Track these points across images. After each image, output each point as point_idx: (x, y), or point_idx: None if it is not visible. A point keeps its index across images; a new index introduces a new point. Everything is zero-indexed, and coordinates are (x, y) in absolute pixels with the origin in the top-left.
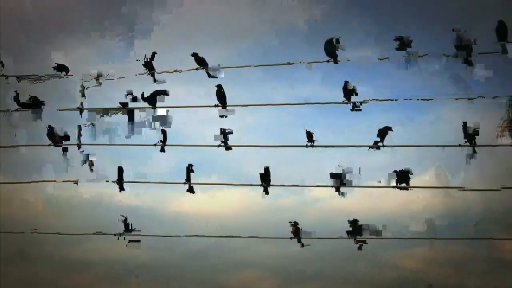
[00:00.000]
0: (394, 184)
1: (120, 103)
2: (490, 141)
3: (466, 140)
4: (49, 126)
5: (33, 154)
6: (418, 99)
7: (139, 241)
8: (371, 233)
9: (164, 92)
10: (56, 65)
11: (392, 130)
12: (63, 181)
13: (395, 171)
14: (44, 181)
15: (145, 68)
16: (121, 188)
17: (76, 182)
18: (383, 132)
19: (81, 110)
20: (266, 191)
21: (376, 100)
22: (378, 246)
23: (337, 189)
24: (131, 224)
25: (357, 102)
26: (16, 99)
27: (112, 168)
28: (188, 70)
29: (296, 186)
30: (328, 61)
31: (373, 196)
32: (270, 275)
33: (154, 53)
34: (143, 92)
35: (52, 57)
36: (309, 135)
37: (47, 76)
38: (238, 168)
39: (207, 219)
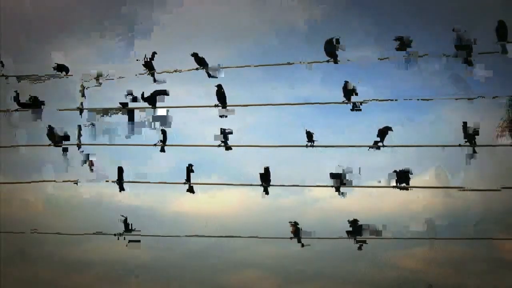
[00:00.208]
0: (394, 184)
1: (120, 103)
2: (490, 141)
3: (466, 140)
4: (49, 126)
5: (33, 154)
6: (418, 99)
7: (139, 241)
8: (371, 233)
9: (164, 92)
10: (56, 65)
11: (392, 130)
12: (63, 181)
13: (395, 171)
14: (44, 181)
15: (145, 68)
16: (121, 188)
17: (76, 182)
18: (383, 132)
19: (81, 110)
20: (266, 191)
21: (376, 100)
22: (378, 246)
23: (337, 189)
24: (131, 224)
25: (357, 102)
26: (16, 99)
27: (112, 168)
28: (188, 70)
29: (296, 186)
30: (328, 61)
31: (373, 196)
32: (270, 275)
33: (154, 53)
34: (143, 92)
35: (52, 57)
36: (309, 135)
37: (47, 76)
38: (238, 168)
39: (207, 219)
